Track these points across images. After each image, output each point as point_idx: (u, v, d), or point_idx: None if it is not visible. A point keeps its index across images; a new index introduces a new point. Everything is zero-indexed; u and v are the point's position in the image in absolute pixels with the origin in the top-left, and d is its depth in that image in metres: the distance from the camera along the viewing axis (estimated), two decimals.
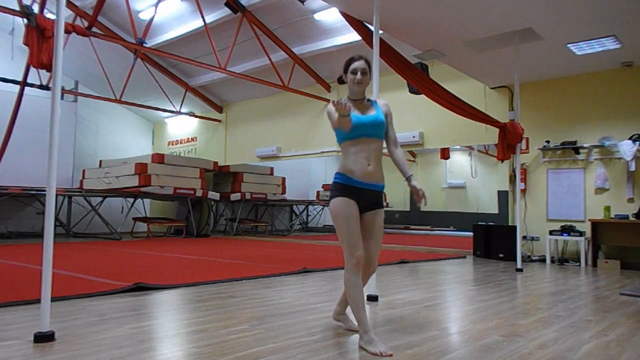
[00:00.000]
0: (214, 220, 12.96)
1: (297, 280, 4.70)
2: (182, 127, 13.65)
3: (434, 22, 5.52)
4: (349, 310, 2.85)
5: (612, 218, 6.64)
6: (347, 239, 2.53)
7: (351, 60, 2.73)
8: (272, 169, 13.39)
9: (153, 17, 8.33)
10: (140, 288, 3.92)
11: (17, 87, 6.20)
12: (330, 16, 8.40)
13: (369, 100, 2.80)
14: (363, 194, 2.60)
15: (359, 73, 2.67)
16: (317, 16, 8.55)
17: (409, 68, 5.64)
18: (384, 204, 2.74)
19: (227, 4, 8.53)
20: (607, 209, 6.70)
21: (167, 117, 13.68)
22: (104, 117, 13.05)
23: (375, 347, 2.34)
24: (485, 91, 8.05)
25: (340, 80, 2.85)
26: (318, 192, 15.11)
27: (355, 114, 2.62)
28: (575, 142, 7.14)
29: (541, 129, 7.49)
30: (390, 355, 2.30)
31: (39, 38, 4.21)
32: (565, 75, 7.29)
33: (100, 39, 7.85)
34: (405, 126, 9.08)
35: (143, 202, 12.46)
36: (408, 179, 2.77)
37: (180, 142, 13.67)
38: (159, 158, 10.95)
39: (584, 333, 2.83)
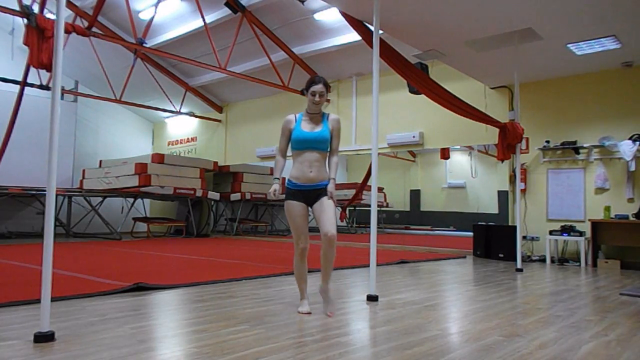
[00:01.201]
0: (214, 220, 12.96)
1: None
2: (182, 127, 13.65)
3: (434, 22, 5.52)
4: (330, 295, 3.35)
5: (612, 218, 6.64)
6: (293, 233, 3.29)
7: (312, 83, 3.31)
8: (272, 169, 13.38)
9: (153, 17, 8.33)
10: (140, 288, 3.92)
11: (17, 87, 6.21)
12: (330, 16, 8.40)
13: (323, 114, 3.36)
14: (308, 194, 3.25)
15: (317, 95, 3.26)
16: (317, 16, 8.55)
17: (409, 68, 5.64)
18: (329, 195, 3.27)
19: (227, 4, 8.53)
20: (607, 209, 6.70)
21: (167, 117, 13.67)
22: (104, 117, 13.05)
23: (303, 308, 3.23)
24: (485, 91, 8.05)
25: (302, 92, 3.39)
26: None
27: (303, 130, 3.26)
28: (575, 142, 7.14)
29: (541, 129, 7.49)
30: (309, 314, 3.18)
31: (39, 38, 4.22)
32: (565, 75, 7.28)
33: (100, 39, 7.85)
34: (405, 126, 9.08)
35: (143, 202, 12.45)
36: (329, 180, 3.30)
37: (180, 142, 13.67)
38: (159, 158, 10.95)
39: (584, 333, 2.83)
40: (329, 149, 3.30)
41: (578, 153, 7.15)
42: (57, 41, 2.63)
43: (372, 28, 4.72)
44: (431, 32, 5.82)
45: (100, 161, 12.10)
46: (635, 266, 6.48)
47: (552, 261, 7.05)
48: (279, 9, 8.67)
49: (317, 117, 3.31)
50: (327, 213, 3.21)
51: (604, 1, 4.88)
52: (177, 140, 13.76)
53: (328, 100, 10.41)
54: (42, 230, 2.59)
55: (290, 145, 3.31)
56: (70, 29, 5.63)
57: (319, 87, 3.25)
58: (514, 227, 6.69)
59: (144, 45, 8.32)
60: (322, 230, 3.18)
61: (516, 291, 4.42)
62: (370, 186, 4.21)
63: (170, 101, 11.82)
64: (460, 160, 16.11)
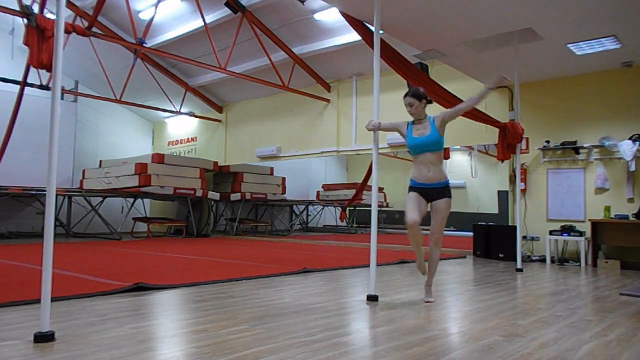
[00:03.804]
0: (214, 220, 12.96)
1: (297, 280, 4.70)
2: (182, 127, 13.65)
3: (434, 22, 5.52)
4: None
5: (612, 218, 6.64)
6: (406, 211, 3.65)
7: (404, 96, 3.89)
8: (272, 169, 13.39)
9: (153, 17, 8.33)
10: (140, 288, 3.92)
11: (17, 87, 6.20)
12: (330, 16, 8.40)
13: (429, 117, 3.86)
14: (427, 191, 3.73)
15: (407, 106, 3.87)
16: (317, 16, 8.55)
17: (409, 68, 5.64)
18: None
19: (227, 4, 8.53)
20: (607, 209, 6.70)
21: (167, 117, 13.67)
22: (104, 117, 13.05)
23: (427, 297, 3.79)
24: None
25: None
26: (318, 192, 15.12)
27: (413, 137, 3.77)
28: (575, 142, 7.14)
29: (541, 129, 7.49)
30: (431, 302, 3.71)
31: (39, 38, 4.21)
32: (565, 75, 7.28)
33: (100, 39, 7.85)
34: None
35: (143, 202, 12.46)
36: (446, 179, 3.77)
37: (180, 142, 13.67)
38: (159, 158, 10.95)
39: (584, 333, 2.83)
40: (441, 149, 3.74)
41: (578, 153, 7.14)
42: (57, 41, 2.63)
43: (372, 28, 4.72)
44: (431, 32, 5.82)
45: (100, 161, 12.10)
46: (635, 266, 6.48)
47: (552, 261, 7.05)
48: (279, 9, 8.66)
49: (423, 122, 3.82)
50: (438, 219, 3.70)
51: (604, 1, 4.88)
52: (177, 140, 13.76)
53: (328, 100, 10.42)
54: (42, 230, 2.59)
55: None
56: (70, 29, 5.63)
57: (406, 100, 3.83)
58: (514, 227, 6.68)
59: (144, 45, 8.32)
60: (430, 231, 3.72)
61: (516, 291, 4.42)
62: (370, 186, 4.22)
63: (170, 101, 11.82)
64: (460, 160, 16.10)
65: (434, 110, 7.24)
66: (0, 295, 3.46)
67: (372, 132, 4.16)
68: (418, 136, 3.74)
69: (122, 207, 11.28)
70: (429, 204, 3.73)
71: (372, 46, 4.34)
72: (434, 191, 3.68)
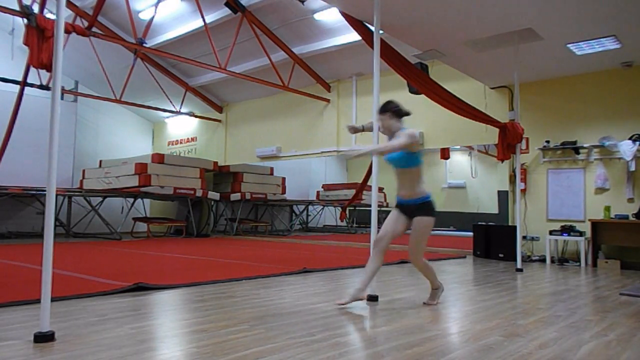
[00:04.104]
0: (214, 220, 12.96)
1: (297, 280, 4.70)
2: (182, 127, 13.65)
3: (434, 22, 5.52)
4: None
5: (612, 218, 6.64)
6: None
7: None
8: (272, 169, 13.39)
9: (153, 17, 8.33)
10: (140, 288, 3.92)
11: (17, 87, 6.21)
12: (330, 16, 8.40)
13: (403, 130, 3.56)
14: (405, 208, 3.55)
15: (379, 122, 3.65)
16: (317, 16, 8.55)
17: (409, 68, 5.63)
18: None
19: (227, 4, 8.53)
20: (607, 209, 6.70)
21: (167, 117, 13.67)
22: (104, 117, 13.05)
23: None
24: (485, 91, 8.05)
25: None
26: (318, 192, 15.12)
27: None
28: (575, 142, 7.14)
29: (541, 129, 7.49)
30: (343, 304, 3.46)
31: (39, 38, 4.22)
32: (565, 75, 7.28)
33: (100, 39, 7.85)
34: (405, 126, 9.07)
35: (143, 202, 12.45)
36: (421, 197, 3.54)
37: (180, 142, 13.67)
38: (159, 158, 10.95)
39: (584, 333, 2.83)
40: (412, 164, 3.45)
41: (578, 153, 7.14)
42: (57, 41, 2.63)
43: (372, 28, 4.72)
44: (431, 32, 5.82)
45: (100, 161, 12.10)
46: (635, 266, 6.48)
47: (552, 261, 7.05)
48: (279, 9, 8.66)
49: (397, 135, 3.53)
50: (411, 237, 3.51)
51: (604, 1, 4.88)
52: (177, 140, 13.76)
53: (328, 100, 10.42)
54: (42, 230, 2.59)
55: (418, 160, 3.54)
56: (70, 29, 5.63)
57: (377, 117, 3.69)
58: (514, 227, 6.68)
59: (144, 45, 8.32)
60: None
61: (516, 291, 4.42)
62: (370, 186, 4.22)
63: (170, 101, 11.81)
64: (460, 160, 16.10)
65: (433, 109, 7.28)
66: (0, 295, 3.46)
67: (372, 132, 4.14)
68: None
69: (122, 207, 11.28)
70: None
71: (372, 46, 4.34)
72: (410, 208, 3.49)
